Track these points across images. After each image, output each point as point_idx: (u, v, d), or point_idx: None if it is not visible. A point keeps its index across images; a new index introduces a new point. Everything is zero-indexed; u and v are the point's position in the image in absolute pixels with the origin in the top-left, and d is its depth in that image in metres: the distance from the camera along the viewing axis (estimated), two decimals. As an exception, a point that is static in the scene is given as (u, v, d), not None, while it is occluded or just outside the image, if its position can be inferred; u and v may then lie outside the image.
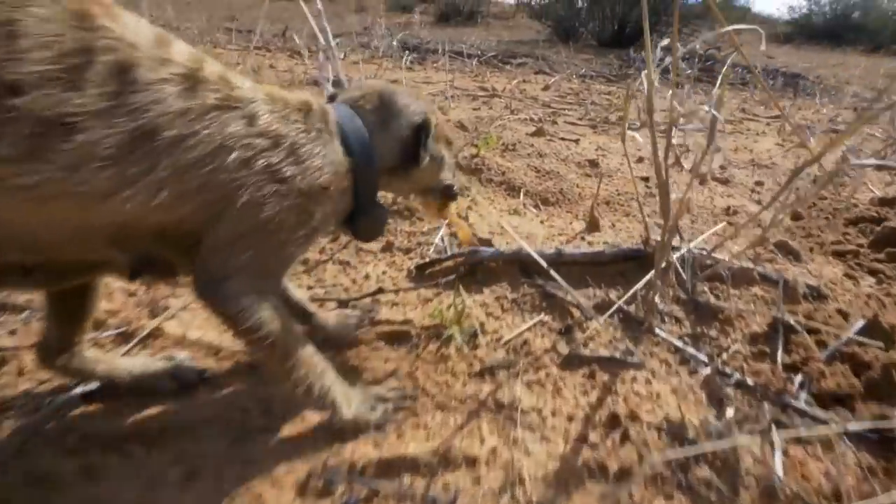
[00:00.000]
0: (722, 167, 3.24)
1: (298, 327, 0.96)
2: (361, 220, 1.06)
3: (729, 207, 2.36)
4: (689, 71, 5.52)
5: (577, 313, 1.42)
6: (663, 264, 1.40)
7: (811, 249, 1.93)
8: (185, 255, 0.84)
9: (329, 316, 1.29)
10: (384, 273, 1.60)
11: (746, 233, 1.99)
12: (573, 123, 4.33)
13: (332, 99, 1.10)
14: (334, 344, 1.27)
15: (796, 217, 2.33)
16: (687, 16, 13.46)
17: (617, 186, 2.68)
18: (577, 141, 3.48)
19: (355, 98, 1.05)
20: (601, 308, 1.44)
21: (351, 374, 1.18)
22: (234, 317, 0.83)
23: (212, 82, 0.78)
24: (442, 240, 1.76)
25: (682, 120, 4.70)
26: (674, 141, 3.55)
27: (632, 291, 1.40)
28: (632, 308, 1.44)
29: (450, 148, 1.20)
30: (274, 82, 4.97)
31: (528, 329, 1.36)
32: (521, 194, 2.45)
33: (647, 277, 1.42)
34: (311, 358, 0.93)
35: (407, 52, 7.88)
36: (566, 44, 11.37)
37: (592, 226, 1.93)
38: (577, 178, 2.73)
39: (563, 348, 1.30)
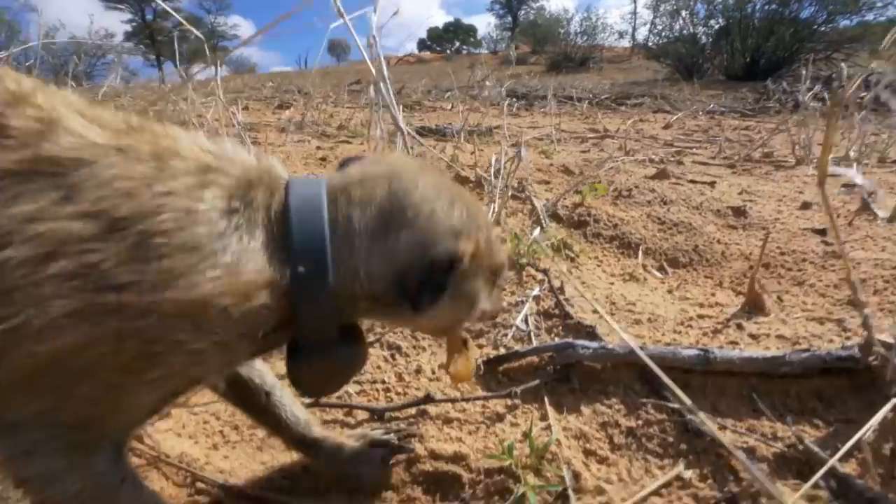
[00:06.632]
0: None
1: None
2: (305, 362, 0.65)
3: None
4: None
5: (741, 467, 0.84)
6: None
7: None
8: None
9: (345, 443, 0.89)
10: (442, 367, 1.17)
11: None
12: (704, 163, 3.62)
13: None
14: (347, 486, 0.86)
15: None
16: (838, 40, 11.70)
17: (778, 243, 1.98)
18: (712, 184, 2.80)
19: (346, 181, 0.65)
20: (789, 464, 0.84)
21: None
22: (23, 484, 0.53)
23: (19, 134, 0.51)
24: (526, 321, 1.29)
25: (852, 154, 3.74)
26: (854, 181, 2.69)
27: (855, 439, 0.79)
28: (848, 466, 0.82)
29: (495, 280, 0.75)
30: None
31: (658, 492, 0.82)
32: (640, 253, 1.90)
33: (883, 414, 0.80)
34: None
35: (514, 99, 7.68)
36: (689, 81, 10.41)
37: (754, 305, 1.32)
38: (716, 232, 2.09)
39: (725, 541, 0.73)
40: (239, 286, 0.54)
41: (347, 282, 0.61)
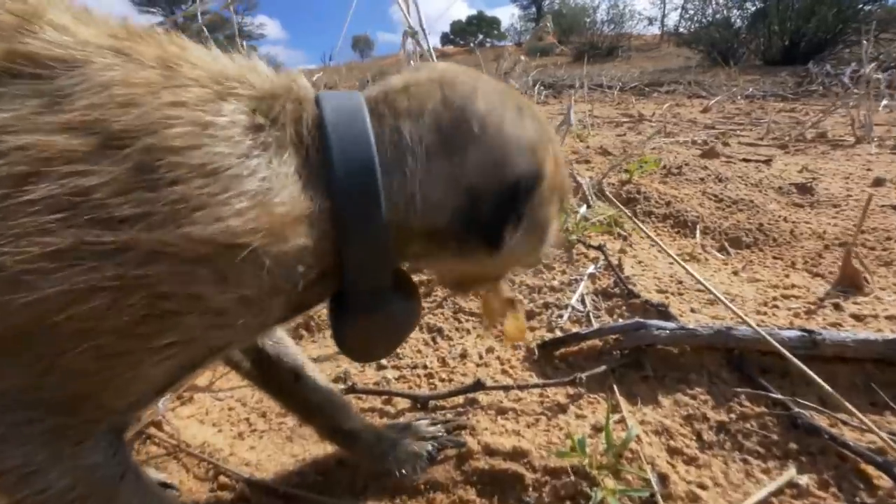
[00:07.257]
0: None
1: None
2: (353, 318, 0.53)
3: None
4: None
5: (874, 474, 0.68)
6: None
7: None
8: None
9: (386, 434, 0.77)
10: (490, 351, 1.04)
11: None
12: (753, 144, 3.38)
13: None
14: (388, 484, 0.74)
15: None
16: (886, 19, 10.98)
17: (854, 221, 1.77)
18: (768, 162, 2.58)
19: (387, 89, 0.52)
20: (935, 467, 0.68)
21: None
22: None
23: None
24: (582, 301, 1.14)
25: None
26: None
27: None
28: None
29: (560, 211, 0.62)
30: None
31: (768, 501, 0.67)
32: (698, 232, 1.72)
33: None
34: None
35: (542, 87, 7.44)
36: (725, 66, 9.93)
37: (850, 283, 1.14)
38: (781, 210, 1.89)
39: (864, 564, 0.58)
40: (272, 221, 0.42)
41: (401, 212, 0.49)
